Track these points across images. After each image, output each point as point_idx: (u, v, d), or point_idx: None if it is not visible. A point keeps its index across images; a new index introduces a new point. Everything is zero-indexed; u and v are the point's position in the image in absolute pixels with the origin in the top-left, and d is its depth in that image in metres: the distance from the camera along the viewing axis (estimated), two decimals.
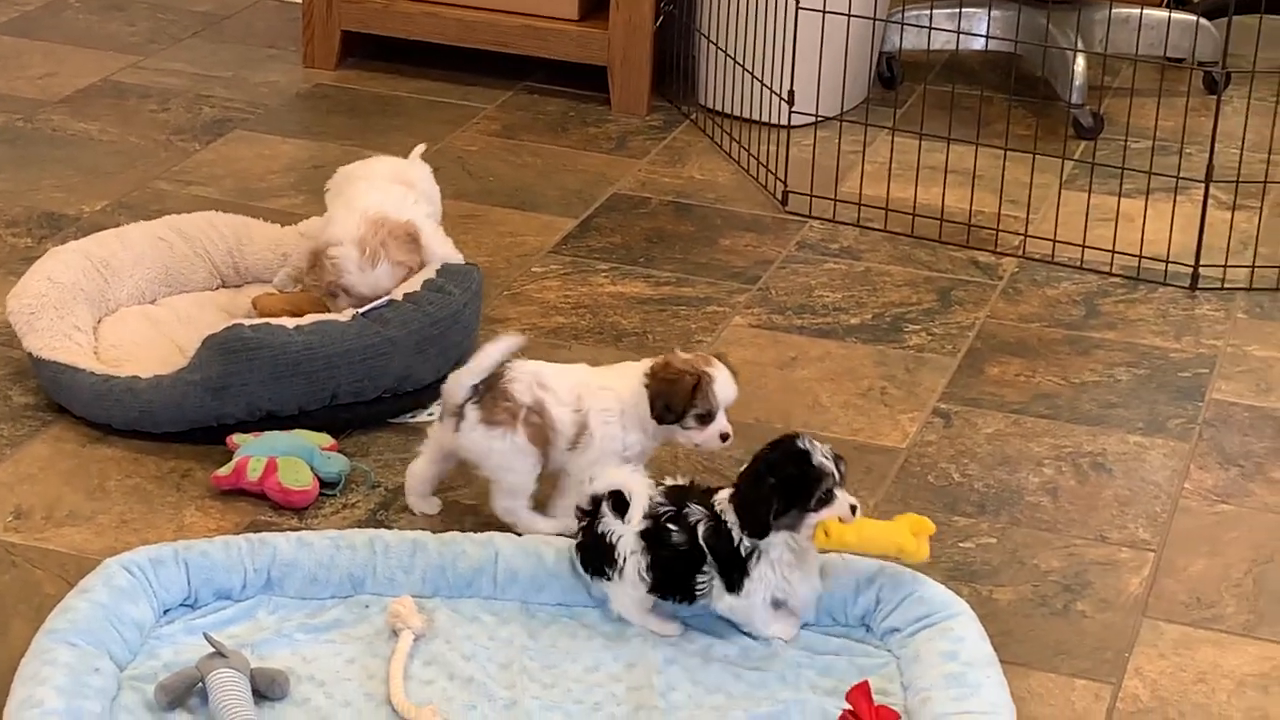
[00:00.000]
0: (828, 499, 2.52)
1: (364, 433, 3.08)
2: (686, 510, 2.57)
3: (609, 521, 2.59)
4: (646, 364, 2.83)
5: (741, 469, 2.59)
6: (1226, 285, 3.67)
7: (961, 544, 2.85)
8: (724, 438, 2.80)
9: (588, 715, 2.49)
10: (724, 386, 2.79)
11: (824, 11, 3.89)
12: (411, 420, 3.13)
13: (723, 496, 2.57)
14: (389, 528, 2.82)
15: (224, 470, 2.90)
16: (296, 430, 2.98)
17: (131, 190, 3.87)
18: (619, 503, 2.59)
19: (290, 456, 2.90)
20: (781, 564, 2.54)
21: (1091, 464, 3.09)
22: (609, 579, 2.61)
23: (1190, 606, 2.76)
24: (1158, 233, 3.76)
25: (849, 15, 3.97)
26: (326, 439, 2.99)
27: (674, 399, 2.76)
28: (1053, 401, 3.27)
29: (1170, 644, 2.68)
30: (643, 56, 4.31)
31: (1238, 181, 3.89)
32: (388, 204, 3.24)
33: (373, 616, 2.64)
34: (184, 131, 4.16)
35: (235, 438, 2.97)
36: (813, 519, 2.52)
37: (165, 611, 2.61)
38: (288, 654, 2.56)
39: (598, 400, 2.81)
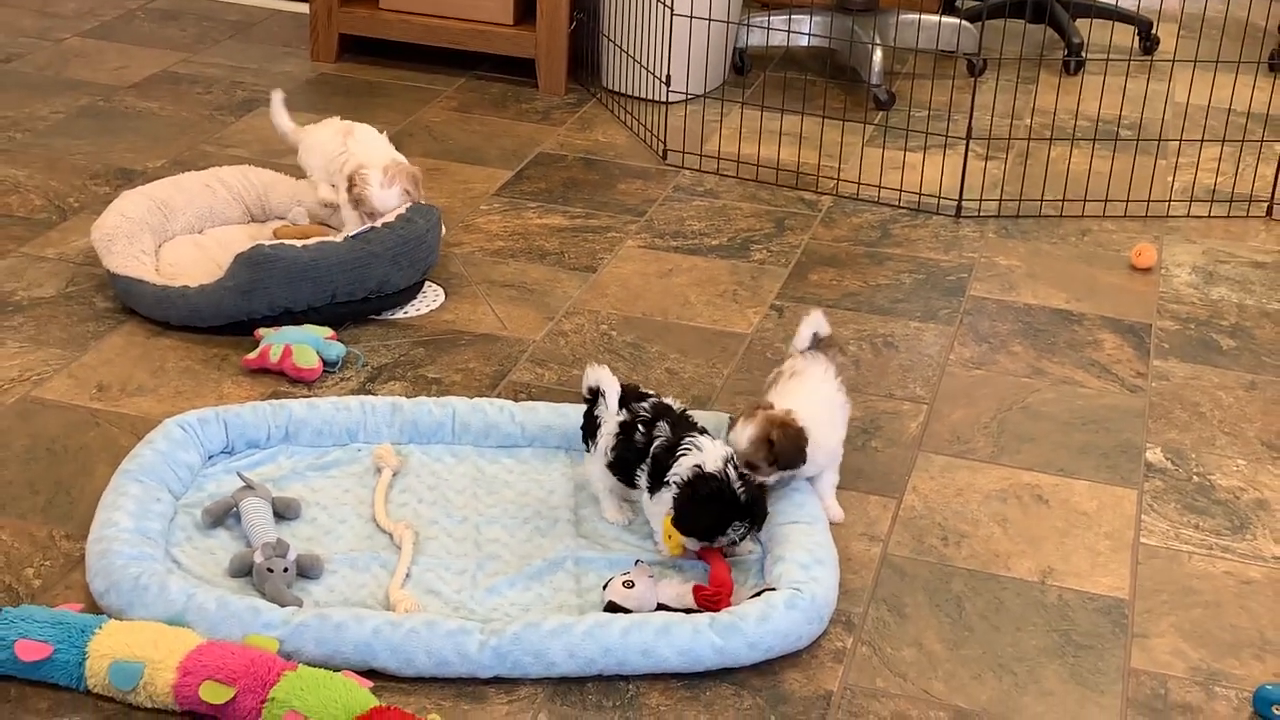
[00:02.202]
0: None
1: (356, 325, 3.04)
2: (658, 425, 2.41)
3: (600, 408, 2.47)
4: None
5: (705, 484, 2.31)
6: (981, 214, 3.67)
7: None
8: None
9: (519, 526, 2.48)
10: (738, 436, 2.41)
11: (691, 17, 3.85)
12: (390, 316, 3.09)
13: (703, 443, 2.33)
14: (374, 394, 2.79)
15: (252, 354, 2.86)
16: (306, 324, 2.94)
17: (184, 151, 3.79)
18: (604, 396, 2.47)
19: (301, 343, 2.86)
20: None
21: (884, 342, 3.10)
22: (589, 450, 2.49)
23: (952, 443, 2.77)
24: (932, 176, 3.75)
25: (709, 20, 3.93)
26: (328, 330, 2.94)
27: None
28: (856, 298, 3.27)
29: (938, 469, 2.70)
30: (561, 51, 4.25)
31: (990, 139, 3.89)
32: (397, 155, 3.23)
33: (363, 458, 2.62)
34: (223, 108, 4.08)
35: (260, 330, 2.92)
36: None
37: (210, 457, 2.59)
38: (300, 486, 2.55)
39: None
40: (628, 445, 2.42)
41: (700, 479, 2.31)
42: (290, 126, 3.40)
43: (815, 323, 2.62)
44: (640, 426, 2.42)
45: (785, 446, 2.41)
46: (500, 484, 2.58)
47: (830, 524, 2.48)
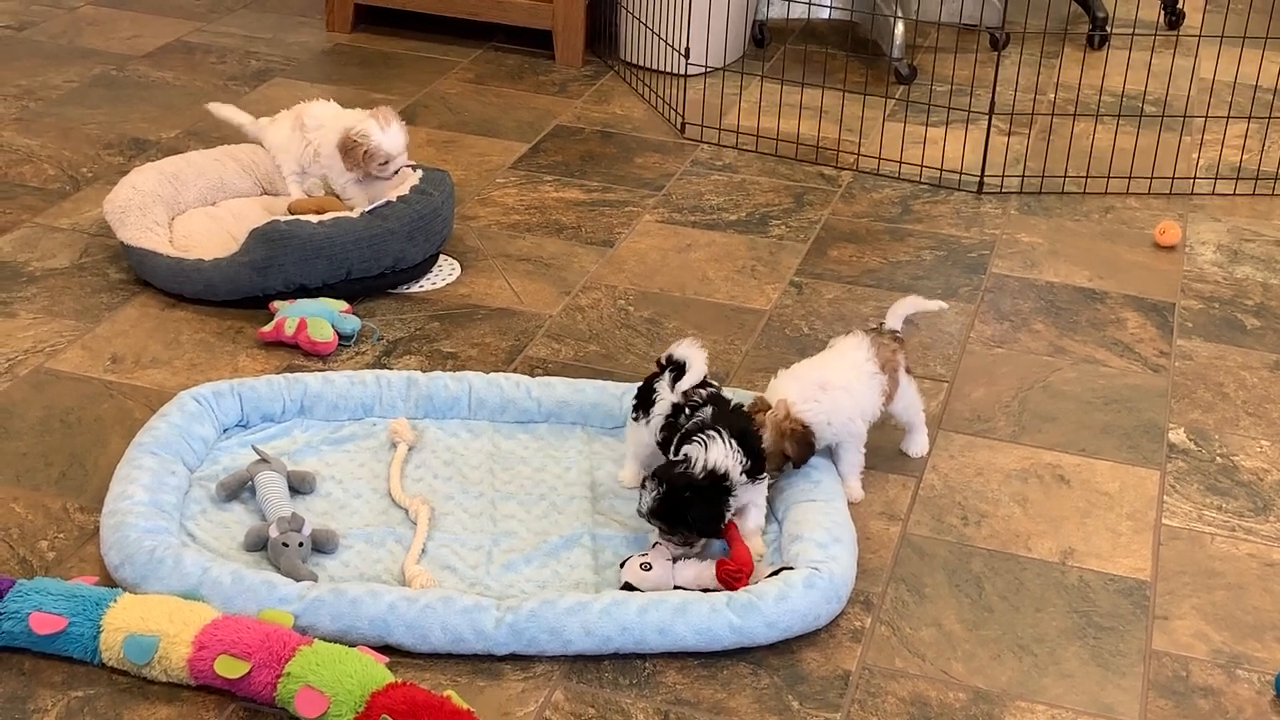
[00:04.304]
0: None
1: (371, 299, 3.04)
2: (701, 416, 2.33)
3: (662, 382, 2.42)
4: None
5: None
6: (1003, 190, 3.66)
7: None
8: None
9: (535, 502, 2.48)
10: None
11: None
12: (405, 290, 3.09)
13: (714, 442, 2.28)
14: (389, 369, 2.80)
15: (267, 327, 2.87)
16: (321, 298, 2.94)
17: (198, 121, 3.79)
18: (679, 371, 2.40)
19: (317, 317, 2.86)
20: None
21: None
22: (637, 420, 2.45)
23: (973, 422, 2.77)
24: (954, 152, 3.74)
25: None
26: (343, 304, 2.94)
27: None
28: (876, 275, 3.26)
29: (958, 448, 2.69)
30: (578, 23, 4.24)
31: (1012, 114, 3.87)
32: (348, 111, 3.24)
33: (378, 433, 2.63)
34: (236, 78, 4.07)
35: (275, 303, 2.92)
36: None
37: (224, 430, 2.59)
38: (315, 460, 2.55)
39: None
40: (671, 428, 2.38)
41: (663, 465, 2.30)
42: (247, 118, 3.37)
43: (908, 306, 2.70)
44: (686, 411, 2.36)
45: (800, 452, 2.43)
46: (516, 460, 2.59)
47: (849, 503, 2.48)
